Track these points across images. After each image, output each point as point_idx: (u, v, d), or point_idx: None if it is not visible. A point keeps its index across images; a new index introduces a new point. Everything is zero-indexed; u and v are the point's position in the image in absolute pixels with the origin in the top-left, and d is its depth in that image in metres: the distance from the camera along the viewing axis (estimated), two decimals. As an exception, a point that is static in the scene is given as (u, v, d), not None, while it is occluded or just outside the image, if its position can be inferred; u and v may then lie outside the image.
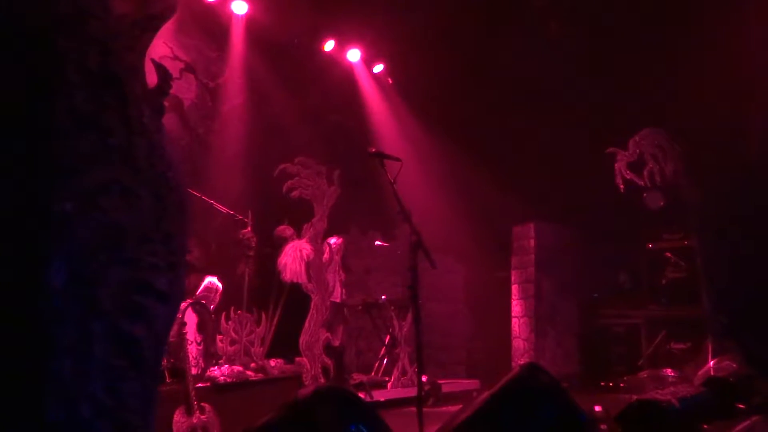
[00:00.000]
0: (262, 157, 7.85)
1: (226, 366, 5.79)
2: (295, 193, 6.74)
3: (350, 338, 8.76)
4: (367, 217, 9.71)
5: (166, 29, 6.44)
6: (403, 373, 7.86)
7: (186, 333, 5.18)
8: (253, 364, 6.14)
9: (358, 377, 7.75)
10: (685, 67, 7.33)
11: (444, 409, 6.99)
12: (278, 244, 7.06)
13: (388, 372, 8.05)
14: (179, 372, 5.08)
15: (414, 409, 4.33)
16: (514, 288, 9.47)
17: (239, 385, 5.72)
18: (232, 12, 7.85)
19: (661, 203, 8.43)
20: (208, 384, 5.50)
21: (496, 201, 9.29)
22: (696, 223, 7.98)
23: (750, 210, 7.33)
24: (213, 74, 8.12)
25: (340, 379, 7.19)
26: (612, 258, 9.50)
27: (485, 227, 9.43)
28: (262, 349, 6.35)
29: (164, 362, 5.00)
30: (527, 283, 9.29)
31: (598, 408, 4.29)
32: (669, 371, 7.64)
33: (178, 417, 4.77)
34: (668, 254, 8.70)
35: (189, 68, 7.66)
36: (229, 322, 6.07)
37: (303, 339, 6.74)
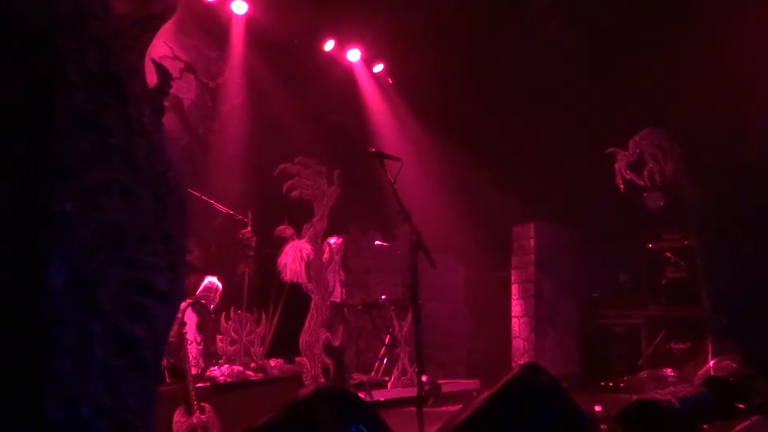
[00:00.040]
0: (262, 157, 7.85)
1: (226, 366, 5.79)
2: (295, 193, 6.74)
3: (350, 338, 8.76)
4: (367, 217, 9.71)
5: (166, 29, 6.44)
6: (403, 373, 7.86)
7: (186, 333, 5.18)
8: (253, 364, 6.14)
9: (358, 377, 7.75)
10: (685, 67, 7.33)
11: (444, 409, 6.99)
12: (278, 244, 7.06)
13: (388, 372, 8.05)
14: (179, 372, 5.08)
15: (414, 409, 4.33)
16: (514, 288, 9.47)
17: (239, 385, 5.72)
18: (232, 12, 7.85)
19: (661, 203, 8.43)
20: (208, 384, 5.50)
21: (496, 201, 9.29)
22: (696, 223, 7.98)
23: (750, 210, 7.33)
24: (213, 74, 8.12)
25: (340, 379, 7.19)
26: (612, 258, 9.50)
27: (485, 227, 9.43)
28: (262, 348, 6.34)
29: (164, 362, 5.00)
30: (527, 283, 9.29)
31: (598, 408, 4.29)
32: (669, 371, 7.64)
33: (178, 417, 4.77)
34: (668, 254, 8.70)
35: (189, 68, 7.66)
36: (229, 322, 6.07)
37: (303, 339, 6.74)
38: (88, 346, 1.61)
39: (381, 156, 4.55)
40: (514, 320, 9.37)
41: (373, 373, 8.19)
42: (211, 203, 6.73)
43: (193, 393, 4.89)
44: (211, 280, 6.42)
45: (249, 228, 6.93)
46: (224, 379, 5.61)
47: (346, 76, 9.17)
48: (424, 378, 5.32)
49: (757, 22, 7.07)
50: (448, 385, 8.16)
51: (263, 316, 6.49)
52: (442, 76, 8.64)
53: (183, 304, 5.41)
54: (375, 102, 9.57)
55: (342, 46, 8.88)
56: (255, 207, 7.15)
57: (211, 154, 8.01)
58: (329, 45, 8.68)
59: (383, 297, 8.38)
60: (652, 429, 4.41)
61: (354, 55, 9.06)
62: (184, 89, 7.71)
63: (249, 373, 5.98)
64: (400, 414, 6.20)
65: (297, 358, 6.68)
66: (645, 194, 8.29)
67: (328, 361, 6.92)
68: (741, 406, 5.35)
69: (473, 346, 10.21)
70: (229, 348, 6.01)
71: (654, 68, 7.83)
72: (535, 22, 8.37)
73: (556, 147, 8.77)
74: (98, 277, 1.65)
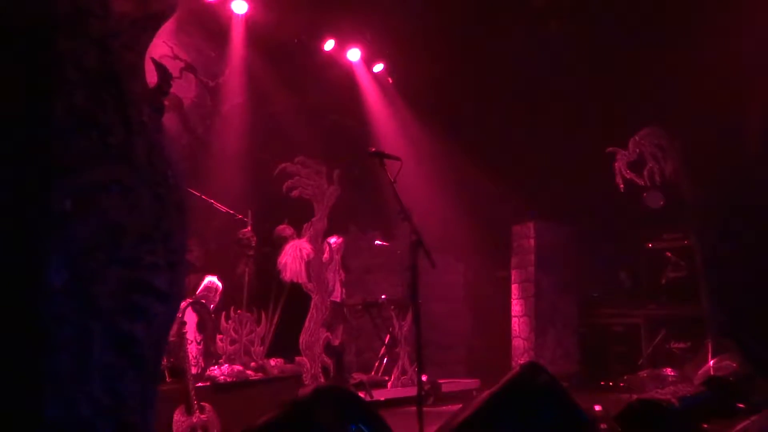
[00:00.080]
0: (262, 156, 7.85)
1: (226, 365, 5.79)
2: (295, 193, 6.73)
3: (350, 338, 8.76)
4: (367, 217, 9.71)
5: (166, 28, 6.44)
6: (403, 372, 7.86)
7: (186, 332, 5.18)
8: (253, 364, 6.14)
9: (358, 377, 7.75)
10: (685, 67, 7.32)
11: (444, 408, 6.99)
12: (278, 244, 7.06)
13: (388, 371, 8.05)
14: (179, 371, 5.08)
15: (414, 408, 4.33)
16: (514, 287, 9.46)
17: (239, 384, 5.72)
18: (232, 11, 7.84)
19: (661, 203, 8.43)
20: (208, 383, 5.50)
21: (495, 200, 9.30)
22: (696, 223, 7.97)
23: (750, 209, 7.32)
24: (213, 73, 8.11)
25: (340, 379, 7.18)
26: (612, 257, 9.50)
27: (485, 226, 9.43)
28: (262, 348, 6.34)
29: (164, 361, 5.00)
30: (527, 282, 9.29)
31: (598, 407, 4.28)
32: (669, 371, 7.62)
33: (177, 416, 4.77)
34: (668, 254, 8.70)
35: (189, 67, 7.65)
36: (229, 322, 6.06)
37: (303, 338, 6.74)
38: (87, 345, 1.61)
39: (381, 155, 4.55)
40: (514, 320, 9.37)
41: (373, 373, 8.18)
42: (211, 203, 6.72)
43: (193, 392, 4.89)
44: (211, 279, 6.42)
45: (249, 227, 6.94)
46: (224, 379, 5.61)
47: (346, 76, 9.16)
48: (424, 377, 5.32)
49: (757, 22, 7.06)
50: (448, 385, 8.15)
51: (263, 315, 6.48)
52: (442, 76, 8.64)
53: (183, 304, 5.41)
54: (375, 101, 9.56)
55: (342, 45, 8.88)
56: (255, 206, 7.15)
57: (211, 153, 8.00)
58: (329, 44, 8.67)
59: (383, 296, 8.38)
60: (652, 428, 4.40)
61: (354, 54, 9.05)
62: (184, 88, 7.71)
63: (249, 372, 5.98)
64: (400, 413, 6.19)
65: (297, 358, 6.67)
66: (645, 194, 8.29)
67: (328, 361, 6.92)
68: (741, 405, 5.35)
69: (473, 346, 10.20)
70: (229, 347, 6.01)
71: (654, 68, 7.83)
72: (535, 22, 8.36)
73: (556, 147, 8.76)
74: (97, 276, 1.65)
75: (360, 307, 8.42)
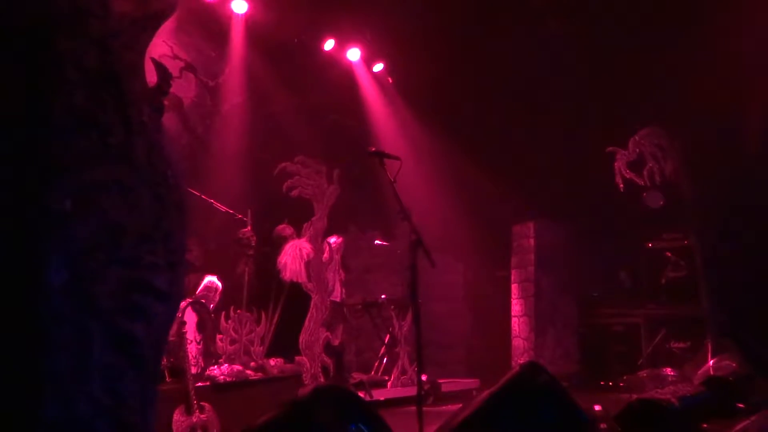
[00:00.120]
0: (261, 156, 7.85)
1: (226, 365, 5.79)
2: (294, 192, 6.73)
3: (350, 337, 8.76)
4: (367, 216, 9.70)
5: (166, 28, 6.44)
6: (403, 372, 7.86)
7: (185, 332, 5.18)
8: (252, 364, 6.14)
9: (357, 376, 7.75)
10: (684, 67, 7.32)
11: (444, 408, 6.99)
12: (278, 243, 7.06)
13: (387, 371, 8.05)
14: (179, 371, 5.08)
15: (414, 408, 4.33)
16: (514, 287, 9.47)
17: (239, 384, 5.72)
18: (232, 11, 7.84)
19: (661, 202, 8.43)
20: (208, 383, 5.50)
21: (495, 200, 9.30)
22: (696, 223, 7.97)
23: (750, 209, 7.33)
24: (213, 73, 8.11)
25: (340, 379, 7.19)
26: (612, 257, 9.50)
27: (485, 226, 9.43)
28: (261, 348, 6.34)
29: (164, 361, 5.00)
30: (527, 282, 9.29)
31: (597, 407, 4.28)
32: (668, 370, 7.62)
33: (177, 416, 4.77)
34: (668, 253, 8.70)
35: (189, 67, 7.65)
36: (229, 321, 6.06)
37: (303, 338, 6.74)
38: (87, 345, 1.61)
39: (380, 155, 4.55)
40: (513, 319, 9.37)
41: (372, 373, 8.18)
42: (211, 202, 6.72)
43: (192, 392, 4.89)
44: (211, 279, 6.42)
45: (249, 227, 6.93)
46: (224, 379, 5.61)
47: (345, 76, 9.16)
48: (423, 377, 5.32)
49: (757, 22, 7.06)
50: (447, 385, 8.16)
51: (263, 315, 6.48)
52: (441, 76, 8.64)
53: (182, 304, 5.41)
54: (375, 101, 9.56)
55: (342, 45, 8.88)
56: (255, 206, 7.15)
57: (211, 153, 8.00)
58: (329, 44, 8.68)
59: (383, 296, 8.38)
60: (652, 428, 4.40)
61: (354, 54, 9.05)
62: (184, 88, 7.71)
63: (249, 372, 5.97)
64: (399, 413, 6.19)
65: (297, 358, 6.67)
66: (645, 193, 8.29)
67: (328, 361, 6.92)
68: (740, 405, 5.35)
69: (473, 346, 10.21)
70: (228, 347, 6.01)
71: (654, 68, 7.83)
72: (535, 22, 8.36)
73: (556, 146, 8.77)
74: (97, 275, 1.65)
75: (360, 306, 8.42)
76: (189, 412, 4.82)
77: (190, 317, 5.63)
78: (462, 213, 9.28)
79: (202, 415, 4.89)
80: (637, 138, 7.53)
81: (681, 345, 8.29)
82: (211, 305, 6.22)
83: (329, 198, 7.00)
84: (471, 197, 9.34)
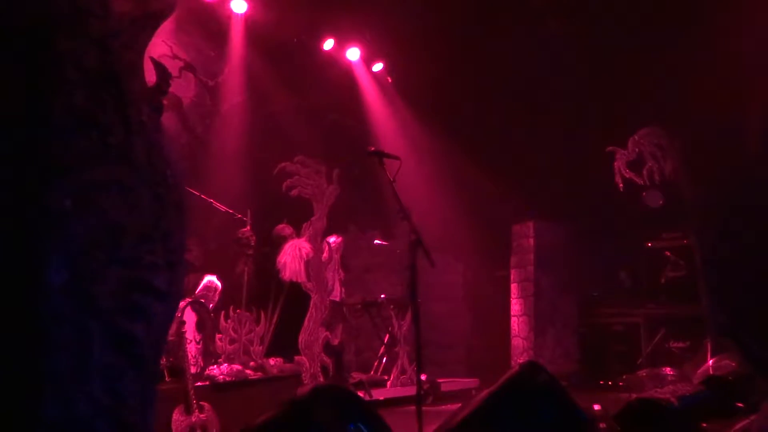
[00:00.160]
0: (261, 155, 7.84)
1: (225, 365, 5.79)
2: (294, 192, 6.73)
3: (349, 337, 8.76)
4: (367, 216, 9.71)
5: (166, 28, 6.44)
6: (403, 371, 7.86)
7: (185, 332, 5.18)
8: (252, 363, 6.14)
9: (357, 376, 7.76)
10: (684, 67, 7.33)
11: (443, 407, 6.99)
12: (277, 243, 7.06)
13: (387, 371, 8.05)
14: (178, 371, 5.08)
15: (413, 407, 4.33)
16: (514, 287, 9.47)
17: (238, 383, 5.72)
18: (231, 11, 7.84)
19: (661, 202, 8.44)
20: (207, 383, 5.50)
21: (495, 200, 9.30)
22: (695, 222, 7.98)
23: (750, 209, 7.32)
24: (212, 73, 8.11)
25: (340, 378, 7.19)
26: (611, 257, 9.50)
27: (484, 226, 9.44)
28: (261, 347, 6.34)
29: (163, 361, 5.00)
30: (526, 281, 9.30)
31: (597, 406, 4.28)
32: (668, 370, 7.63)
33: (177, 416, 4.77)
34: (668, 253, 8.70)
35: (188, 67, 7.65)
36: (228, 321, 6.06)
37: (302, 338, 6.74)
38: (86, 344, 1.61)
39: (380, 155, 4.55)
40: (513, 319, 9.37)
41: (372, 372, 8.19)
42: (211, 202, 6.72)
43: (192, 392, 4.89)
44: (211, 278, 6.42)
45: (248, 227, 6.93)
46: (223, 378, 5.61)
47: (345, 76, 9.16)
48: (423, 377, 5.32)
49: (757, 22, 7.06)
50: (447, 384, 8.16)
51: (262, 315, 6.48)
52: (441, 76, 8.64)
53: (182, 303, 5.41)
54: (374, 101, 9.56)
55: (341, 45, 8.88)
56: (254, 206, 7.15)
57: (211, 152, 8.00)
58: (329, 44, 8.67)
59: (382, 296, 8.38)
60: (652, 428, 4.41)
61: (353, 54, 9.05)
62: (184, 88, 7.71)
63: (248, 372, 5.98)
64: (399, 413, 6.20)
65: (296, 357, 6.67)
66: (644, 193, 8.29)
67: (327, 360, 6.92)
68: (740, 404, 5.35)
69: (472, 345, 10.21)
70: (228, 347, 6.01)
71: (654, 68, 7.83)
72: (535, 22, 8.36)
73: (556, 146, 8.76)
74: (97, 275, 1.65)
75: (359, 306, 8.42)
76: (188, 411, 4.82)
77: (190, 317, 5.62)
78: (462, 213, 9.28)
79: (202, 415, 4.89)
80: (636, 137, 7.54)
81: (680, 344, 8.30)
82: (211, 305, 6.22)
83: (329, 198, 7.00)
84: (471, 197, 9.34)
